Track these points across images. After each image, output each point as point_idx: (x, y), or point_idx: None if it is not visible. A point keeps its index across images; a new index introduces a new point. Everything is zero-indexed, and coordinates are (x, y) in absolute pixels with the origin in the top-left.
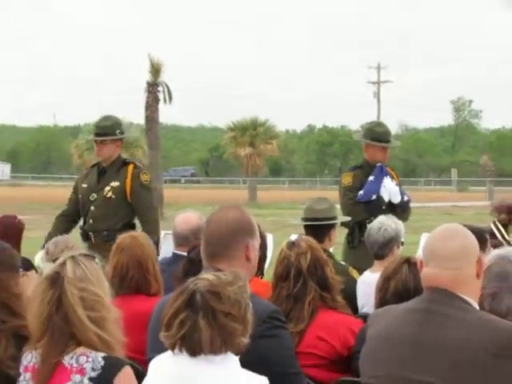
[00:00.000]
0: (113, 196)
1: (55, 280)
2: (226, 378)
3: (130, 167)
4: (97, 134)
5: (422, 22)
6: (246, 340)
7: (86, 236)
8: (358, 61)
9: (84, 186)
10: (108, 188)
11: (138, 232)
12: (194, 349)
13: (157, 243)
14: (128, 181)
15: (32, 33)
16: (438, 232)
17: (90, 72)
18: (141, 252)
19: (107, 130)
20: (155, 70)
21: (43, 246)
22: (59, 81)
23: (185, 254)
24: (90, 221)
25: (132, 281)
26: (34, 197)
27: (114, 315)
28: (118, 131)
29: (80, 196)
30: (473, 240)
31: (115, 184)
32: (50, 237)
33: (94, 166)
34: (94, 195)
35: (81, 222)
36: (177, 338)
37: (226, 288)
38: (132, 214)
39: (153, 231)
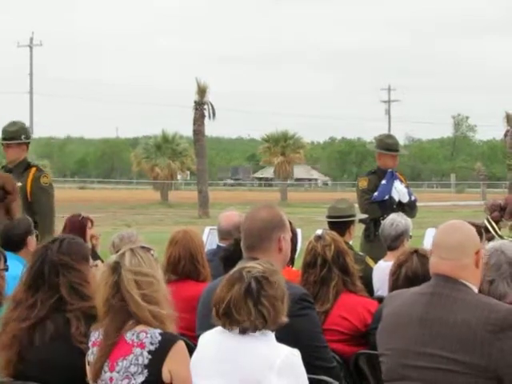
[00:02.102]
0: None
1: (115, 268)
2: (266, 350)
3: (33, 170)
4: (3, 139)
5: (424, 52)
6: (285, 318)
7: None
8: (372, 83)
9: None
10: None
11: (190, 227)
12: (247, 328)
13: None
14: (29, 182)
15: (100, 56)
16: (443, 226)
17: (147, 91)
18: (191, 244)
19: (13, 134)
20: (201, 91)
21: None
22: (121, 99)
23: None
24: None
25: (184, 269)
26: (100, 198)
27: (164, 294)
28: (23, 136)
29: None
30: (471, 235)
31: (18, 184)
32: None
33: (2, 167)
34: None
35: None
36: (234, 320)
37: (272, 275)
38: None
39: (46, 228)
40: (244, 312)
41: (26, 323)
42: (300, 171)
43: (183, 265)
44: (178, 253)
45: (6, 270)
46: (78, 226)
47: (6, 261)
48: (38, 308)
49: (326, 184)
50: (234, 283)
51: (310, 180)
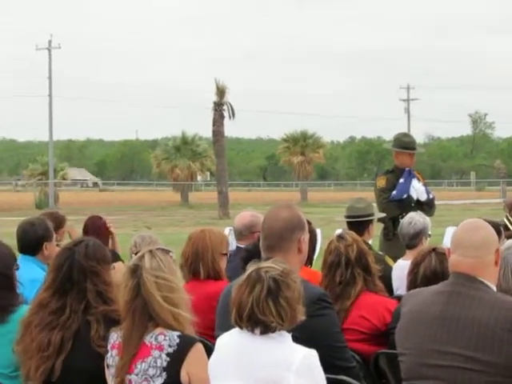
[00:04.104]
0: None
1: (135, 270)
2: (283, 351)
3: None
4: None
5: (441, 52)
6: (303, 317)
7: None
8: (391, 82)
9: None
10: None
11: (212, 227)
12: (270, 328)
13: None
14: None
15: (119, 58)
16: (463, 225)
17: (166, 93)
18: (200, 244)
19: None
20: (220, 91)
21: None
22: (140, 101)
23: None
24: None
25: (192, 267)
26: (120, 200)
27: (184, 297)
28: None
29: None
30: (492, 233)
31: None
32: None
33: None
34: None
35: None
36: (259, 320)
37: (290, 275)
38: None
39: None
40: (268, 312)
41: (52, 328)
42: (75, 173)
43: (190, 263)
44: (187, 251)
45: (17, 268)
46: (102, 228)
47: (16, 259)
48: (68, 314)
49: (97, 185)
50: (254, 284)
51: (83, 181)
